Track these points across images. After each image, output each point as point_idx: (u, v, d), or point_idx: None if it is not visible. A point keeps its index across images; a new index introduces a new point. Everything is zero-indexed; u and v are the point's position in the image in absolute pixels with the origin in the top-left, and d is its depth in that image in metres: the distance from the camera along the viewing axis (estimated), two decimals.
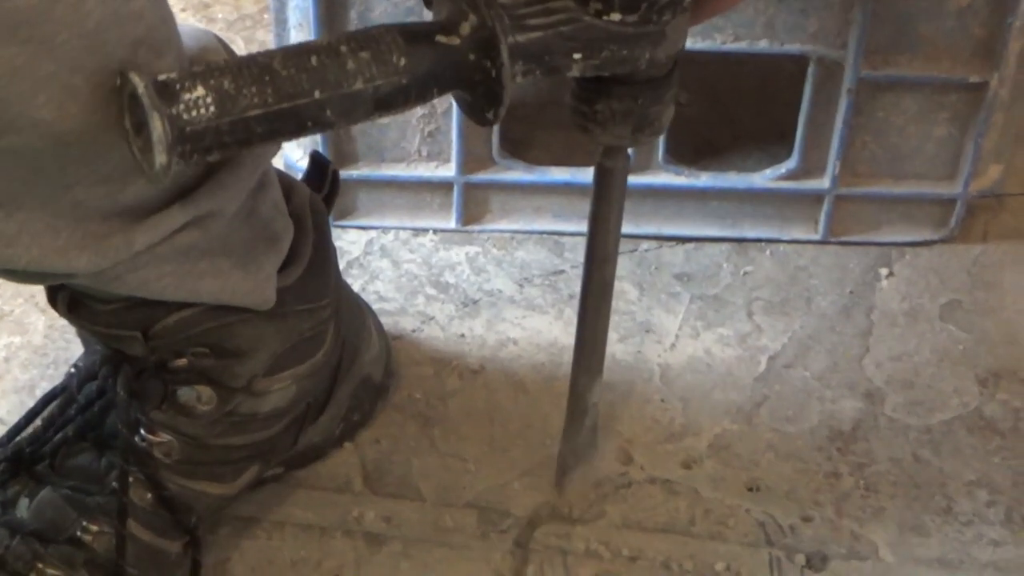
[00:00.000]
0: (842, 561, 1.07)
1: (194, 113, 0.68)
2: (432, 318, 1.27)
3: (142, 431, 1.02)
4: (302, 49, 0.71)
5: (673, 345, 1.23)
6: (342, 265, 1.24)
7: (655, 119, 0.85)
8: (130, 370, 1.01)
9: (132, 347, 0.98)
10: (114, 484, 1.01)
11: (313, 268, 1.05)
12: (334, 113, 0.72)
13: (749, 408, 1.18)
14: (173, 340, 0.98)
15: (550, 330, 1.25)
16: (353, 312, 1.15)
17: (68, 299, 0.97)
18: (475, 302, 1.28)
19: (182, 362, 1.00)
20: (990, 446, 1.14)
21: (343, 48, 0.71)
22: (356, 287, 1.26)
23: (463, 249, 1.33)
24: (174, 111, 0.67)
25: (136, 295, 0.94)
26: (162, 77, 0.68)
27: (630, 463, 1.14)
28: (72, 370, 1.06)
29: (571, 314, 1.25)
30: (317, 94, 0.70)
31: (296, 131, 0.72)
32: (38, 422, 1.05)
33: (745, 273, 1.30)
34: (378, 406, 1.19)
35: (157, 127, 0.67)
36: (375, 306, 1.23)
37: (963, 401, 1.18)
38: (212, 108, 0.68)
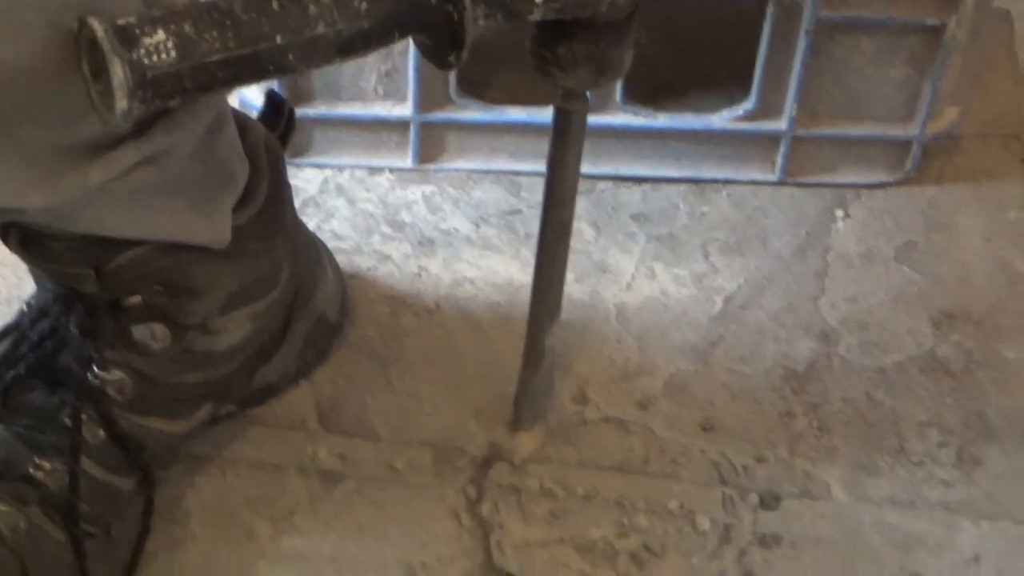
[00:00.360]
0: (795, 500, 1.08)
1: (155, 58, 0.67)
2: (388, 257, 1.26)
3: (95, 368, 1.01)
4: None
5: (629, 285, 1.24)
6: (297, 204, 1.23)
7: (616, 62, 0.85)
8: (83, 308, 1.00)
9: (85, 285, 0.98)
10: (66, 421, 1.00)
11: (268, 207, 1.04)
12: (296, 58, 0.71)
13: (704, 348, 1.18)
14: (127, 278, 0.97)
15: (506, 270, 1.25)
16: (308, 251, 1.15)
17: (20, 236, 0.96)
18: (431, 241, 1.28)
19: (136, 300, 0.99)
20: (942, 387, 1.15)
21: None
22: (312, 226, 1.25)
23: (419, 188, 1.32)
24: (134, 56, 0.66)
25: (90, 232, 0.93)
26: (121, 22, 0.67)
27: (585, 402, 1.15)
28: (24, 308, 1.05)
29: (527, 254, 1.25)
30: (279, 39, 0.69)
31: (257, 76, 0.71)
32: None
33: (702, 214, 1.30)
34: (333, 345, 1.19)
35: (118, 73, 0.66)
36: (331, 245, 1.23)
37: (917, 342, 1.18)
38: (173, 53, 0.67)
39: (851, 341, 1.18)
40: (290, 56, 0.71)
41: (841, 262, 1.25)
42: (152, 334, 1.01)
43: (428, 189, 1.32)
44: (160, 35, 0.67)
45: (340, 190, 1.32)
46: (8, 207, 0.87)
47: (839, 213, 1.29)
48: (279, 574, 1.06)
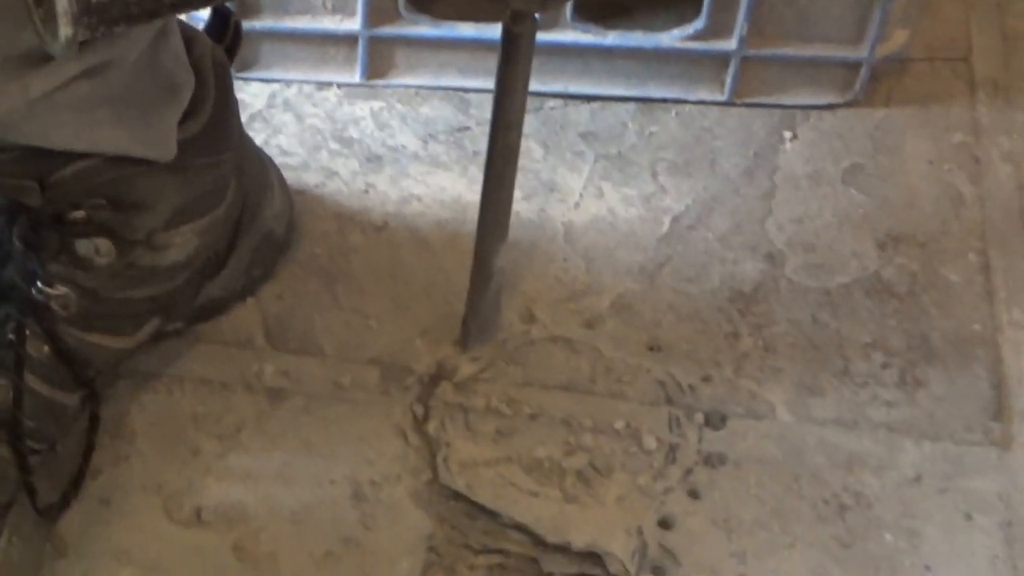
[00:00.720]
0: (740, 420, 1.09)
1: None
2: (335, 173, 1.25)
3: (39, 283, 1.00)
4: None
5: (577, 204, 1.23)
6: (244, 118, 1.22)
7: None
8: (26, 221, 0.99)
9: (29, 197, 0.96)
10: (10, 336, 0.99)
11: (215, 121, 1.03)
12: None
13: (651, 268, 1.18)
14: (71, 191, 0.96)
15: (454, 187, 1.25)
16: (255, 166, 1.14)
17: None
18: (379, 158, 1.27)
19: (80, 214, 0.98)
20: (887, 309, 1.16)
21: None
22: (259, 141, 1.24)
23: (367, 104, 1.31)
24: None
25: (32, 144, 0.92)
26: None
27: (532, 321, 1.15)
28: None
29: (476, 171, 1.24)
30: None
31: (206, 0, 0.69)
32: None
33: (650, 133, 1.29)
34: (280, 261, 1.18)
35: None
36: (278, 160, 1.22)
37: (862, 264, 1.19)
38: None
39: (797, 262, 1.19)
40: None
41: (788, 183, 1.25)
42: (96, 249, 1.00)
43: (376, 105, 1.31)
44: None
45: (287, 105, 1.30)
46: None
47: (787, 134, 1.29)
48: (225, 491, 1.06)
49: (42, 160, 0.94)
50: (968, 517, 1.04)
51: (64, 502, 1.04)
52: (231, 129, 1.07)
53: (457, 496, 1.05)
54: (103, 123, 0.93)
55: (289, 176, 1.22)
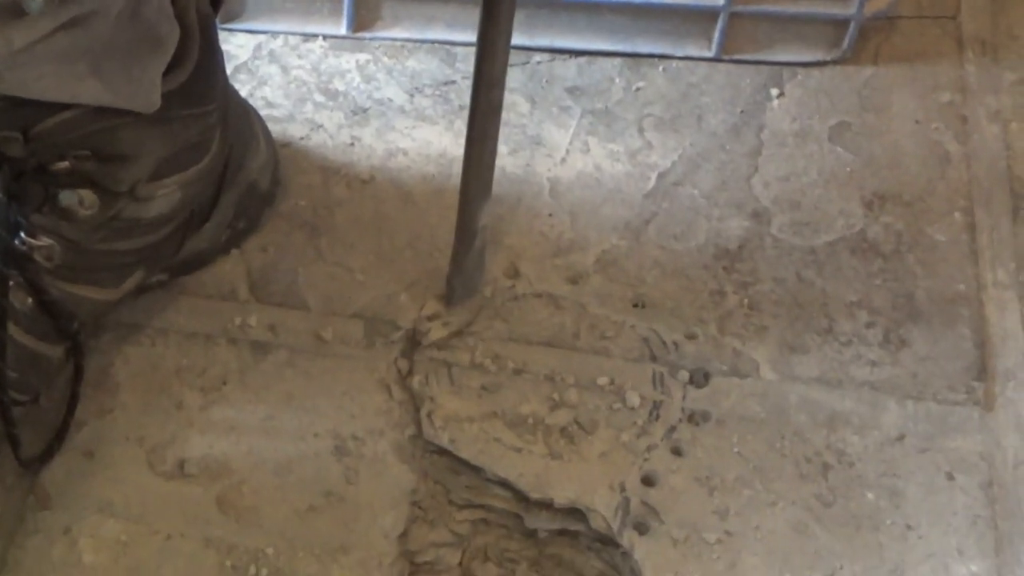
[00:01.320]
0: (724, 378, 1.09)
1: None
2: (321, 126, 1.25)
3: (22, 234, 1.00)
4: None
5: (563, 159, 1.23)
6: (229, 70, 1.21)
7: None
8: (9, 172, 0.98)
9: (11, 148, 0.96)
10: None
11: (199, 72, 1.02)
12: None
13: (637, 224, 1.18)
14: (54, 142, 0.96)
15: (440, 141, 1.24)
16: (240, 118, 1.13)
17: None
18: (365, 111, 1.26)
19: (63, 165, 0.98)
20: (872, 268, 1.16)
21: None
22: (244, 93, 1.23)
23: (353, 56, 1.30)
24: None
25: (15, 95, 0.91)
26: None
27: (517, 277, 1.15)
28: None
29: (461, 125, 1.24)
30: None
31: None
32: None
33: (637, 89, 1.29)
34: (264, 214, 1.18)
35: None
36: (263, 112, 1.21)
37: (848, 223, 1.19)
38: None
39: (783, 220, 1.19)
40: None
41: (775, 141, 1.25)
42: (80, 200, 1.00)
43: (362, 58, 1.30)
44: None
45: (273, 57, 1.30)
46: None
47: (774, 91, 1.28)
48: (209, 444, 1.06)
49: (25, 111, 0.94)
50: (950, 477, 1.04)
51: (47, 454, 1.04)
52: (216, 81, 1.06)
53: (441, 451, 1.06)
54: (84, 75, 0.93)
55: (274, 128, 1.22)
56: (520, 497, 1.04)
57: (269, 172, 1.17)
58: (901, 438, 1.06)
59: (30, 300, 1.01)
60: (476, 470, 1.05)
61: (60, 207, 1.00)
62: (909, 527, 1.02)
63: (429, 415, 1.07)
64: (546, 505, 1.04)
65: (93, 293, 1.05)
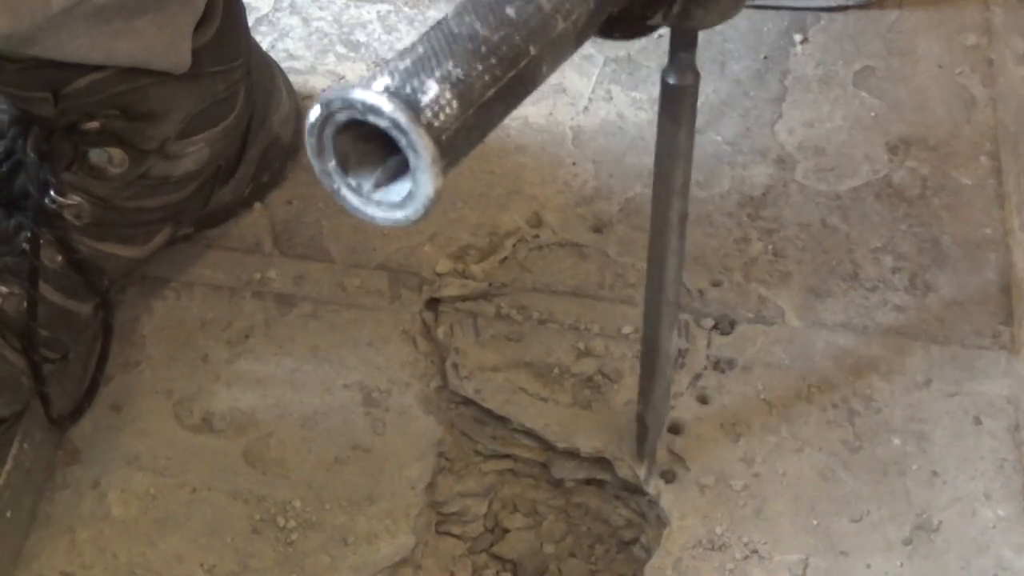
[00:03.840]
0: (749, 325, 1.09)
1: (440, 119, 0.55)
2: (343, 77, 1.24)
3: (52, 193, 1.00)
4: (491, 2, 0.59)
5: (586, 108, 1.22)
6: (251, 22, 1.21)
7: None
8: (40, 131, 0.99)
9: (42, 108, 0.96)
10: (23, 246, 0.99)
11: (225, 28, 1.02)
12: (547, 66, 0.60)
13: None
14: (84, 101, 0.96)
15: None
16: (263, 71, 1.13)
17: None
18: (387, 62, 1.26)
19: (93, 124, 0.98)
20: (897, 213, 1.15)
21: None
22: (265, 45, 1.23)
23: (374, 7, 1.30)
24: (425, 120, 0.54)
25: (50, 57, 0.92)
26: (385, 86, 0.54)
27: (541, 227, 1.14)
28: None
29: None
30: (532, 50, 0.59)
31: (519, 100, 0.60)
32: None
33: (659, 36, 1.27)
34: (288, 167, 1.18)
35: (426, 149, 0.53)
36: (284, 65, 1.21)
37: (873, 168, 1.18)
38: (456, 107, 0.55)
39: (807, 166, 1.18)
40: (543, 66, 0.60)
41: (799, 87, 1.24)
42: (110, 158, 1.00)
43: (383, 8, 1.30)
44: (434, 87, 0.55)
45: (294, 8, 1.29)
46: None
47: (798, 37, 1.28)
48: (235, 396, 1.06)
49: (56, 71, 0.94)
50: (977, 421, 1.04)
51: (77, 411, 1.05)
52: (240, 35, 1.06)
53: (466, 402, 1.06)
54: (119, 34, 0.93)
55: (296, 81, 1.21)
56: (546, 447, 1.04)
57: (291, 125, 1.17)
58: (927, 383, 1.06)
59: (60, 258, 1.01)
60: (502, 420, 1.05)
61: (90, 165, 1.00)
62: (935, 472, 1.01)
63: (455, 366, 1.07)
64: (572, 454, 1.04)
65: (122, 250, 1.05)
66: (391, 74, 0.55)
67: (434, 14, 1.29)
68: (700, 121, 1.20)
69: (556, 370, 1.06)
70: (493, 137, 1.13)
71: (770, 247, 1.13)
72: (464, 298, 1.09)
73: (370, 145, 0.55)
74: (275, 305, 1.11)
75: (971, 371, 1.06)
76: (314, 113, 0.54)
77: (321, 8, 1.29)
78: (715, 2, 0.70)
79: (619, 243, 1.14)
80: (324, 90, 0.50)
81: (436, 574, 1.02)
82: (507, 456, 1.07)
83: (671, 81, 0.77)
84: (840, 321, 1.09)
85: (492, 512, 1.08)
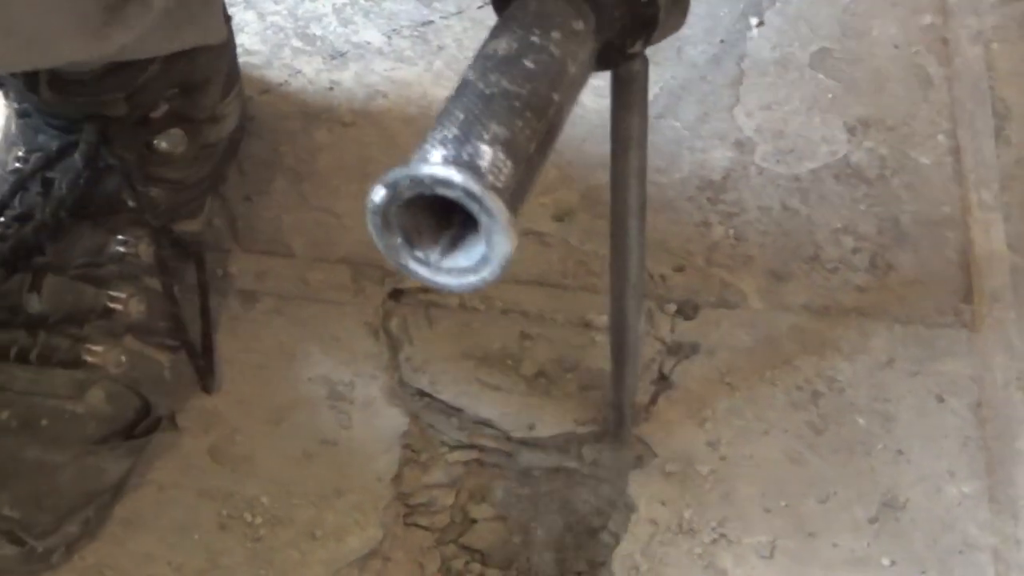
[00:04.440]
0: (712, 309, 1.09)
1: (502, 179, 0.56)
2: (299, 71, 1.24)
3: (137, 188, 1.02)
4: (508, 58, 0.61)
5: None
6: None
7: None
8: (112, 134, 1.00)
9: (115, 109, 0.99)
10: (121, 250, 1.01)
11: None
12: (566, 111, 0.63)
13: None
14: (155, 89, 0.99)
15: (420, 82, 1.23)
16: None
17: (49, 78, 0.97)
18: (343, 54, 1.25)
19: (164, 110, 1.01)
20: (857, 194, 1.16)
21: (535, 39, 0.62)
22: None
23: (330, 0, 1.29)
24: (492, 184, 0.56)
25: (129, 59, 0.95)
26: (443, 157, 0.56)
27: None
28: (17, 164, 1.03)
29: (441, 66, 1.23)
30: (555, 97, 0.61)
31: (552, 146, 0.62)
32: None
33: None
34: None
35: (501, 214, 0.55)
36: (240, 59, 1.20)
37: (831, 149, 1.18)
38: (510, 165, 0.57)
39: (767, 149, 1.18)
40: (564, 111, 0.62)
41: (756, 70, 1.24)
42: (172, 141, 1.03)
43: (339, 1, 1.29)
44: (488, 151, 0.57)
45: (248, 3, 1.29)
46: (89, 57, 0.91)
47: (754, 20, 1.28)
48: (200, 394, 1.06)
49: (126, 70, 0.97)
50: (940, 399, 1.04)
51: (211, 372, 1.06)
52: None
53: (423, 394, 1.06)
54: (182, 24, 0.96)
55: (252, 75, 1.21)
56: (504, 437, 1.04)
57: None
58: (891, 362, 1.06)
59: (153, 248, 1.03)
60: (458, 411, 1.05)
61: (158, 153, 1.03)
62: (900, 451, 1.02)
63: (407, 359, 1.07)
64: (535, 443, 1.04)
65: (190, 225, 1.07)
66: (443, 144, 0.56)
67: (390, 6, 1.28)
68: (658, 107, 1.20)
69: (512, 360, 1.06)
70: None
71: (731, 231, 1.14)
72: (427, 290, 1.09)
73: (426, 215, 0.56)
74: (238, 302, 1.11)
75: (933, 350, 1.07)
76: (378, 194, 0.55)
77: (276, 2, 1.29)
78: (670, 25, 0.72)
79: (581, 231, 1.14)
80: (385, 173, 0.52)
81: (405, 566, 1.02)
82: (473, 447, 1.07)
83: (620, 70, 0.77)
84: (802, 303, 1.10)
85: (459, 503, 1.08)
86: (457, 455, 1.07)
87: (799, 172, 1.17)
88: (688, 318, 1.09)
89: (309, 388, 1.06)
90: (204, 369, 1.04)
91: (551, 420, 1.04)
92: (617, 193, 0.85)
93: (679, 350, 1.07)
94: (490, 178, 0.55)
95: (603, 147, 1.17)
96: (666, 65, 1.24)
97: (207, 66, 1.03)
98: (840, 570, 0.97)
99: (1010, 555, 0.97)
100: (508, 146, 0.57)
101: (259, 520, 1.00)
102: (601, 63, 0.69)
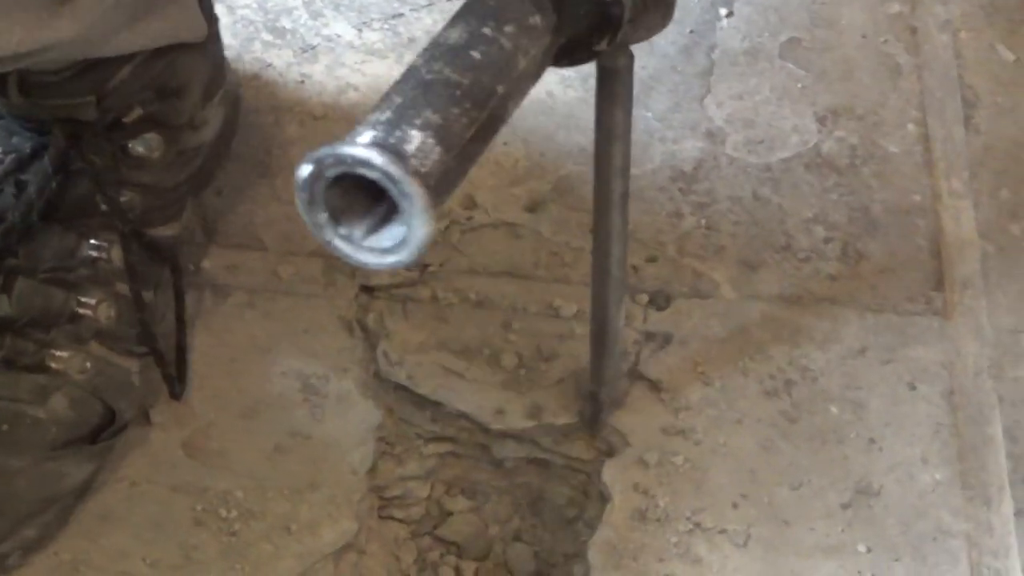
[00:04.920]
0: (685, 300, 1.09)
1: (427, 163, 0.58)
2: (270, 65, 1.24)
3: (107, 192, 1.00)
4: (456, 47, 0.62)
5: None
6: None
7: None
8: (84, 137, 0.99)
9: (85, 112, 0.97)
10: (92, 254, 1.00)
11: None
12: (512, 103, 0.63)
13: (592, 150, 1.17)
14: (125, 92, 0.97)
15: (390, 75, 1.23)
16: None
17: (19, 81, 0.96)
18: (313, 48, 1.25)
19: (137, 114, 0.99)
20: (827, 183, 1.16)
21: (487, 31, 0.63)
22: None
23: None
24: (413, 168, 0.57)
25: (93, 57, 0.94)
26: (371, 140, 0.57)
27: (474, 208, 1.14)
28: None
29: (411, 58, 1.23)
30: (500, 89, 0.62)
31: (491, 139, 0.63)
32: None
33: None
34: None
35: (419, 199, 0.56)
36: None
37: (802, 139, 1.19)
38: (439, 151, 0.58)
39: (737, 139, 1.19)
40: (510, 103, 0.63)
41: (726, 60, 1.24)
42: (148, 145, 1.01)
43: None
44: (417, 136, 0.58)
45: None
46: (42, 45, 0.88)
47: (723, 11, 1.28)
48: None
49: (97, 71, 0.96)
50: (912, 387, 1.05)
51: (182, 380, 1.05)
52: None
53: (400, 387, 1.06)
54: (145, 17, 0.95)
55: None
56: (482, 429, 1.04)
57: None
58: (863, 351, 1.07)
59: (126, 254, 1.02)
60: (436, 405, 1.05)
61: (132, 157, 1.01)
62: (873, 439, 1.02)
63: (385, 353, 1.06)
64: (510, 435, 1.04)
65: (167, 231, 1.06)
66: (374, 126, 0.58)
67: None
68: None
69: (488, 351, 1.06)
70: None
71: (703, 221, 1.14)
72: (398, 285, 1.09)
73: (357, 194, 0.57)
74: (210, 295, 1.10)
75: (905, 337, 1.07)
76: (305, 169, 0.57)
77: None
78: (646, 25, 0.75)
79: (553, 222, 1.14)
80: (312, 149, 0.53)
81: (381, 559, 1.02)
82: (448, 439, 1.07)
83: (606, 63, 0.79)
84: (775, 292, 1.10)
85: (435, 495, 1.08)
86: (432, 447, 1.07)
87: (770, 162, 1.17)
88: (661, 308, 1.09)
89: (282, 382, 1.06)
90: (172, 377, 1.03)
91: (527, 412, 1.04)
92: (600, 186, 0.85)
93: (652, 340, 1.07)
94: (414, 162, 0.57)
95: (574, 137, 1.17)
96: (637, 55, 1.23)
97: (185, 71, 1.01)
98: (814, 557, 0.97)
99: (983, 541, 0.98)
100: (440, 133, 0.58)
101: (233, 514, 1.00)
102: (568, 59, 0.70)
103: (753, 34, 1.26)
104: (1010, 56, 1.24)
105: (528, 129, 1.19)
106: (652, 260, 1.11)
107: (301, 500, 1.01)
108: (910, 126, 1.19)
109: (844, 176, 1.16)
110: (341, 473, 1.02)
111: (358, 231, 0.59)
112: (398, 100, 0.59)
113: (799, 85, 1.22)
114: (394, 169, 0.55)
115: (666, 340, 1.07)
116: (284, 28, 1.26)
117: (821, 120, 1.20)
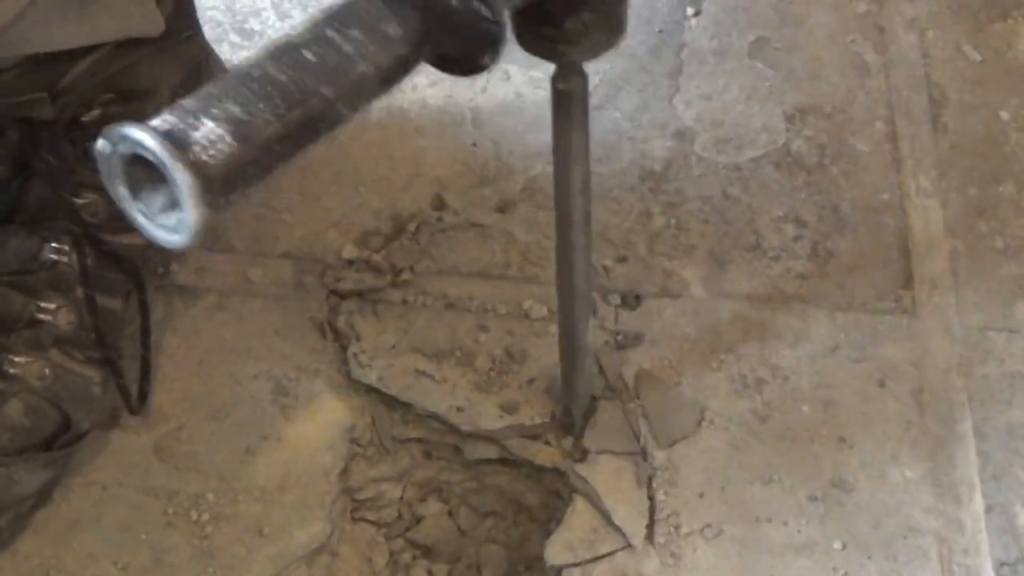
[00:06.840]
0: (655, 299, 1.09)
1: (210, 154, 0.58)
2: None
3: (67, 195, 0.99)
4: (291, 46, 0.62)
5: (484, 88, 1.22)
6: None
7: (624, 14, 0.79)
8: (46, 137, 0.98)
9: (42, 110, 0.95)
10: (53, 257, 0.99)
11: None
12: (345, 106, 0.63)
13: None
14: (80, 91, 0.96)
15: None
16: None
17: None
18: None
19: (94, 114, 0.98)
20: (797, 182, 1.16)
21: (331, 33, 0.63)
22: None
23: None
24: (192, 158, 0.57)
25: (41, 50, 0.92)
26: (161, 123, 0.58)
27: (444, 209, 1.14)
28: None
29: None
30: (326, 91, 0.62)
31: (313, 137, 0.63)
32: None
33: None
34: None
35: (184, 179, 0.57)
36: None
37: (771, 138, 1.19)
38: (231, 144, 0.58)
39: (707, 139, 1.19)
40: (340, 105, 0.63)
41: (695, 59, 1.25)
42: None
43: None
44: (209, 125, 0.58)
45: None
46: None
47: (691, 10, 1.28)
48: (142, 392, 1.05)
49: (47, 68, 0.94)
50: (882, 385, 1.05)
51: (142, 395, 1.04)
52: (194, 2, 1.06)
53: (372, 389, 1.05)
54: (92, 10, 0.93)
55: None
56: (452, 430, 1.04)
57: None
58: (833, 349, 1.07)
59: (89, 260, 1.01)
60: (406, 406, 1.05)
61: (93, 160, 0.99)
62: (843, 438, 1.03)
63: (355, 355, 1.06)
64: (482, 436, 1.04)
65: (135, 239, 1.04)
66: (172, 111, 0.59)
67: None
68: (598, 97, 1.21)
69: (459, 352, 1.06)
70: (393, 121, 1.13)
71: (673, 220, 1.14)
72: (369, 288, 1.09)
73: (155, 173, 0.58)
74: (179, 298, 1.10)
75: (874, 336, 1.07)
76: (102, 144, 0.59)
77: None
78: (591, 45, 0.77)
79: (523, 222, 1.14)
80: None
81: (353, 561, 1.02)
82: (419, 440, 1.06)
83: (560, 86, 0.79)
84: (745, 291, 1.10)
85: (407, 497, 1.08)
86: (404, 449, 1.06)
87: (739, 161, 1.18)
88: (631, 308, 1.09)
89: (253, 384, 1.05)
90: (127, 390, 1.02)
91: (498, 413, 1.04)
92: (561, 208, 0.85)
93: (623, 340, 1.07)
94: (196, 150, 0.57)
95: (542, 138, 1.17)
96: (605, 55, 1.24)
97: (149, 74, 1.00)
98: (786, 554, 0.98)
99: (953, 538, 0.98)
100: (238, 126, 0.59)
101: (205, 517, 0.99)
102: (457, 68, 0.70)
103: (721, 33, 1.26)
104: (976, 56, 1.25)
105: (497, 130, 1.19)
106: (622, 260, 1.11)
107: (273, 502, 1.00)
108: (878, 124, 1.20)
109: (813, 175, 1.17)
110: (313, 475, 1.02)
111: (153, 207, 0.60)
112: (214, 90, 0.60)
113: (767, 84, 1.23)
114: (164, 154, 0.57)
115: (637, 340, 1.07)
116: (252, 30, 1.26)
117: (790, 119, 1.20)
